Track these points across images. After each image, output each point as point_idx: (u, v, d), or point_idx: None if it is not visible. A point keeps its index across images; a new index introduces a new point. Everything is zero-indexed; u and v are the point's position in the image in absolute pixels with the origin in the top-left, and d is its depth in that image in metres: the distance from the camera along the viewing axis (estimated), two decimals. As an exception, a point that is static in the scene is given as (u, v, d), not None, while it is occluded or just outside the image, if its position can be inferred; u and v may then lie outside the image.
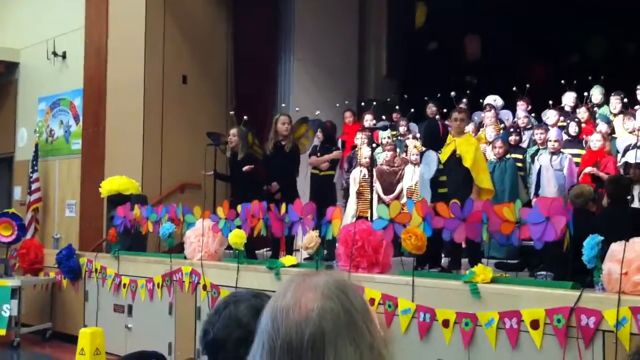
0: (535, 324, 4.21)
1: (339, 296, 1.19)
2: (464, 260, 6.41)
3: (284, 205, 6.36)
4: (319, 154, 8.10)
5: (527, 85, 9.17)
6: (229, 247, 6.72)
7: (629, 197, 5.48)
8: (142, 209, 7.65)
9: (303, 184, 8.01)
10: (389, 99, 10.70)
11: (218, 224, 6.68)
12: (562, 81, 8.98)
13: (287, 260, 6.03)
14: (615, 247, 4.17)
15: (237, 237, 6.30)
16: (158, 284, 7.04)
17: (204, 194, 8.36)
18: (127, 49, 9.77)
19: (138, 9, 9.68)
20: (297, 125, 7.97)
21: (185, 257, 6.94)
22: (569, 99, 8.80)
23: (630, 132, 7.51)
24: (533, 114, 9.24)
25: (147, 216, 7.51)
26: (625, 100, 8.23)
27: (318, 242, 5.81)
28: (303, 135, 7.97)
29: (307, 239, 5.86)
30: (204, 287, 6.50)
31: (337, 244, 5.86)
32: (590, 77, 8.99)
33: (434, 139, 6.65)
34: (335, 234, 5.87)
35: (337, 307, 1.17)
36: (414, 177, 8.34)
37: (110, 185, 8.52)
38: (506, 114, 9.49)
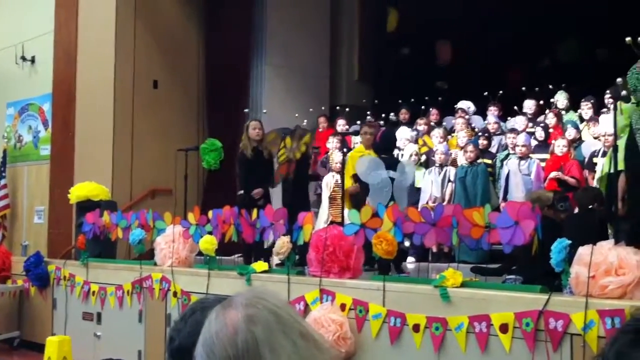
0: (504, 328, 4.23)
1: (259, 302, 1.25)
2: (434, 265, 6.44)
3: (255, 211, 6.34)
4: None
5: (500, 92, 9.28)
6: (200, 254, 6.67)
7: (593, 205, 5.57)
8: (112, 215, 7.56)
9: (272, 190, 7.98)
10: (364, 100, 10.75)
11: (189, 230, 6.62)
12: (523, 88, 9.12)
13: (258, 266, 6.00)
14: (583, 251, 4.21)
15: (208, 243, 6.25)
16: (128, 291, 6.96)
17: (174, 200, 8.30)
18: (97, 53, 9.67)
19: (108, 14, 9.59)
20: (267, 133, 7.96)
21: (155, 264, 6.88)
22: (529, 105, 8.92)
23: (595, 138, 7.62)
24: (507, 119, 9.35)
25: (117, 222, 7.43)
26: (601, 106, 8.33)
27: (289, 247, 5.79)
28: (272, 142, 7.94)
29: (278, 244, 5.84)
30: (175, 294, 6.44)
31: (308, 249, 5.85)
32: (551, 86, 9.11)
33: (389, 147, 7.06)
34: (306, 239, 5.85)
35: (261, 311, 1.23)
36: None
37: (79, 191, 8.41)
38: (477, 120, 9.59)
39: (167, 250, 6.72)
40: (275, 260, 6.48)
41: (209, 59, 10.66)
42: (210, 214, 6.51)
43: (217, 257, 6.46)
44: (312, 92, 10.97)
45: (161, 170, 9.31)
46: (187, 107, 10.35)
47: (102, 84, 9.55)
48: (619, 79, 5.36)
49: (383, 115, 10.11)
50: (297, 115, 9.45)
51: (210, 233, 6.45)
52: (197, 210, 6.72)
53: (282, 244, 5.79)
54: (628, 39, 4.81)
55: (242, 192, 7.34)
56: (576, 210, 6.03)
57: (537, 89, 9.13)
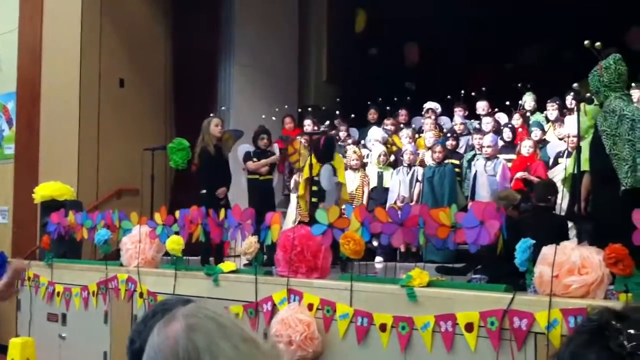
0: (469, 327, 4.27)
1: (200, 312, 1.29)
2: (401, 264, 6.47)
3: (223, 211, 6.31)
4: (254, 160, 8.08)
5: (462, 92, 9.37)
6: (168, 254, 6.62)
7: (551, 197, 5.66)
8: (77, 215, 7.46)
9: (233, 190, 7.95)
10: (324, 107, 10.80)
11: (155, 230, 6.56)
12: (472, 93, 9.23)
13: (225, 266, 5.97)
14: (547, 251, 4.27)
15: (175, 244, 6.20)
16: (93, 292, 6.87)
17: (142, 200, 8.23)
18: (63, 51, 9.54)
19: (74, 11, 9.47)
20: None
21: (121, 264, 6.80)
22: (481, 106, 9.02)
23: (561, 139, 7.73)
24: (473, 120, 9.43)
25: (82, 222, 7.33)
26: (562, 107, 8.46)
27: (257, 247, 5.77)
28: (224, 142, 7.88)
29: (246, 244, 5.82)
30: (141, 295, 6.37)
31: (276, 249, 5.84)
32: (520, 85, 9.22)
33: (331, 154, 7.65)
34: (274, 239, 5.84)
35: (202, 319, 1.26)
36: (354, 182, 8.41)
37: (44, 190, 8.28)
38: (444, 120, 9.66)
39: (133, 250, 6.64)
40: (243, 260, 6.46)
41: (176, 58, 10.58)
42: (177, 213, 6.46)
43: (185, 258, 6.42)
44: (280, 92, 10.96)
45: (128, 170, 9.21)
46: (154, 106, 10.26)
47: (67, 82, 9.42)
48: (575, 85, 5.45)
49: (352, 115, 10.15)
50: (263, 116, 9.45)
51: (177, 233, 6.39)
52: (164, 210, 6.66)
53: (250, 244, 5.77)
54: (586, 42, 4.88)
55: (204, 191, 7.28)
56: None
57: (483, 89, 9.26)
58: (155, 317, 1.92)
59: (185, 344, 1.23)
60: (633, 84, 7.76)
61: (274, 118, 9.27)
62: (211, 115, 7.86)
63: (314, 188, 7.38)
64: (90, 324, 6.87)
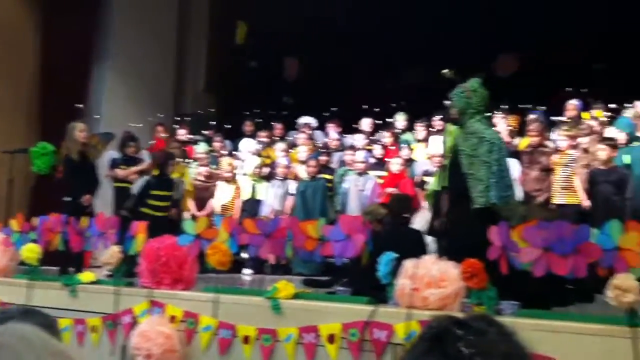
0: (331, 338, 4.30)
1: (5, 331, 1.25)
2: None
3: (85, 219, 6.04)
4: (123, 167, 7.81)
5: (335, 109, 9.54)
6: (24, 263, 6.24)
7: (406, 213, 5.84)
8: None
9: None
10: (201, 112, 10.70)
11: (10, 237, 6.18)
12: (365, 106, 9.45)
13: (85, 276, 5.70)
14: (408, 264, 4.37)
15: (31, 252, 5.86)
16: (-63, 302, 6.35)
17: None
18: None
19: None
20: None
21: (-30, 273, 6.34)
22: (366, 123, 9.25)
23: (428, 158, 8.02)
24: (349, 136, 9.59)
25: None
26: (430, 127, 8.77)
27: (119, 257, 5.56)
28: (93, 146, 7.59)
29: (107, 254, 5.59)
30: (-9, 305, 5.96)
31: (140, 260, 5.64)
32: (395, 104, 9.51)
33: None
34: (139, 249, 5.65)
35: (7, 338, 1.22)
36: (227, 194, 8.33)
37: None
38: (319, 135, 9.77)
39: (-16, 258, 6.21)
40: (104, 271, 6.20)
41: (46, 58, 10.07)
42: (35, 220, 6.12)
43: (43, 267, 6.07)
44: (156, 100, 10.71)
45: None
46: (19, 106, 9.71)
47: None
48: (447, 102, 5.65)
49: (230, 126, 10.08)
50: (130, 124, 9.19)
51: (34, 241, 6.06)
52: (21, 217, 6.30)
53: (112, 254, 5.55)
54: (445, 71, 5.06)
55: (69, 198, 6.95)
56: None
57: (373, 108, 9.48)
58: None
59: None
60: (499, 109, 8.20)
61: (141, 125, 8.99)
62: (75, 120, 7.50)
63: (163, 203, 7.27)
64: None
